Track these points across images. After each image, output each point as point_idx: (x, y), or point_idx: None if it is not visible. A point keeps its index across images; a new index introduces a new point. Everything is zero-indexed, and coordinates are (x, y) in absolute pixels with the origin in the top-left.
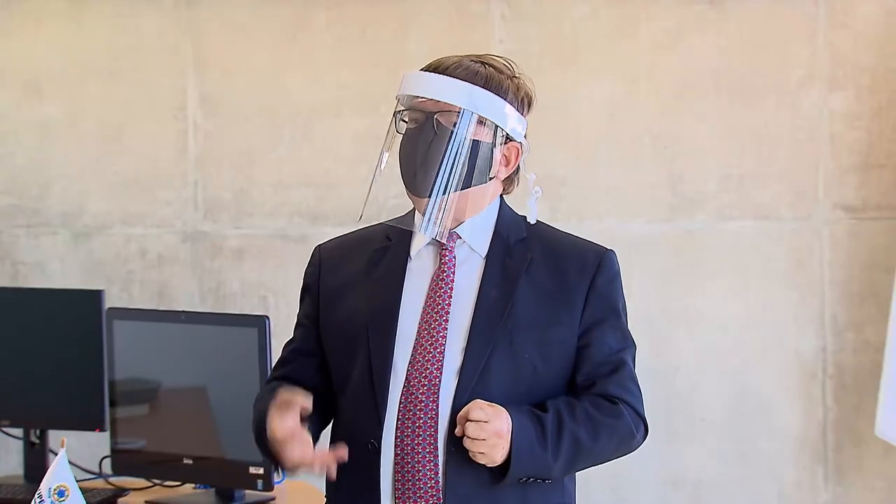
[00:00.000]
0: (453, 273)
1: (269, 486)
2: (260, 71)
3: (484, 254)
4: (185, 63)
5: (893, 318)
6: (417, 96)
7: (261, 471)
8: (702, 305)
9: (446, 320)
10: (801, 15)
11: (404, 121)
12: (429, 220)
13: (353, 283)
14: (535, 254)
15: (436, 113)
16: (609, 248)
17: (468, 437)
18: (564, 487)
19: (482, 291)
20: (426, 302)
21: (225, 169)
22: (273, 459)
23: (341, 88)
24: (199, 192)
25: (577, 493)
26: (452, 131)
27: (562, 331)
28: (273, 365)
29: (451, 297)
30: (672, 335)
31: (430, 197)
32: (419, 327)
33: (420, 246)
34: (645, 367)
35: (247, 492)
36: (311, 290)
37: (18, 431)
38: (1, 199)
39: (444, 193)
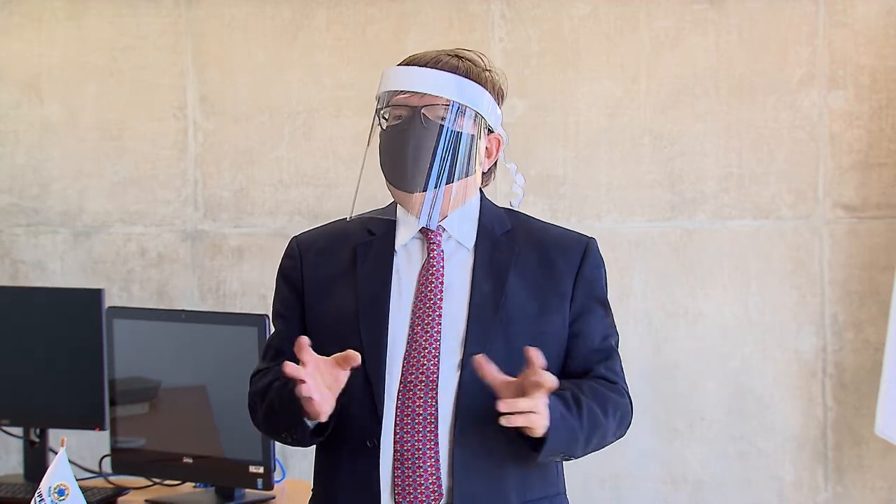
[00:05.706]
0: (442, 267)
1: (268, 485)
2: (260, 71)
3: (471, 247)
4: (185, 63)
5: (893, 317)
6: (403, 91)
7: (261, 470)
8: (702, 305)
9: (440, 315)
10: (801, 14)
11: (385, 118)
12: (429, 209)
13: (339, 277)
14: (521, 245)
15: (422, 107)
16: (590, 236)
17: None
18: (558, 477)
19: (474, 285)
20: (416, 297)
21: (225, 168)
22: (299, 415)
23: (341, 88)
24: (199, 192)
25: (578, 493)
26: (442, 125)
27: (554, 321)
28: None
29: (442, 291)
30: (672, 335)
31: (424, 191)
32: (412, 323)
33: (406, 240)
34: (645, 367)
35: (247, 491)
36: (291, 281)
37: (18, 430)
38: (1, 199)
39: (436, 187)
